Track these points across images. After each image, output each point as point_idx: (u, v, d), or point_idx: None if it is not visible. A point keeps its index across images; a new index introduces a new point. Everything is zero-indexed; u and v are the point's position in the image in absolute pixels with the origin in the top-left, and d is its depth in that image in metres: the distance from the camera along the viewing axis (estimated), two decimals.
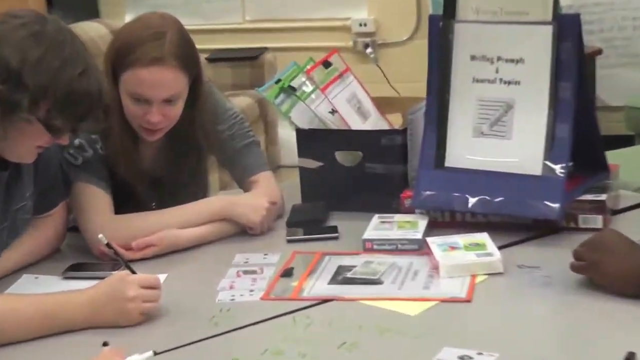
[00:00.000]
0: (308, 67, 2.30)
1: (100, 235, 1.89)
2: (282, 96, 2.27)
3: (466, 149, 2.10)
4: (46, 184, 2.01)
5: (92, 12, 4.88)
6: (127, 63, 2.02)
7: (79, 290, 1.76)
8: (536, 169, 2.04)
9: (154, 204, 2.19)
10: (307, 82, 2.28)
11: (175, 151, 2.19)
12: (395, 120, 2.37)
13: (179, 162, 2.20)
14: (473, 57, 2.11)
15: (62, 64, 1.70)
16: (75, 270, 1.99)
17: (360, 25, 4.78)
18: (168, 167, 2.20)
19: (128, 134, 2.10)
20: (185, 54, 2.06)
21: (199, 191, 2.27)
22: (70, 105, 1.72)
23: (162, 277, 1.93)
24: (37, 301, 1.73)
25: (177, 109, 2.09)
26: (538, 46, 2.05)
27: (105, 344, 1.53)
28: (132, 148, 2.12)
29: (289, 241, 2.10)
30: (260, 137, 4.67)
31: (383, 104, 2.39)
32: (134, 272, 1.79)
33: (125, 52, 2.02)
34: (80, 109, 1.75)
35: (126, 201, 2.14)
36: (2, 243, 1.92)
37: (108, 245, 1.89)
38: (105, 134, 2.07)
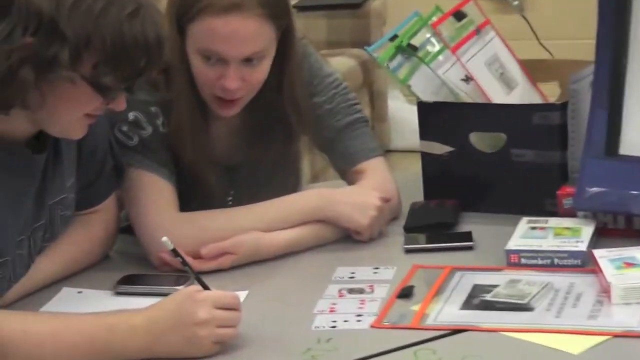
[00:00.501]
0: (434, 19, 2.32)
1: (164, 239, 1.89)
2: (399, 58, 2.29)
3: None
4: (92, 171, 2.06)
5: None
6: (196, 10, 2.06)
7: (135, 310, 1.80)
8: None
9: (230, 198, 2.24)
10: (433, 40, 2.30)
11: (258, 130, 2.23)
12: (551, 92, 2.38)
13: (262, 145, 2.24)
14: None
15: (107, 4, 1.76)
16: (129, 283, 2.04)
17: None
18: (248, 151, 2.24)
19: (197, 106, 2.15)
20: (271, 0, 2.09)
21: (289, 183, 2.31)
22: (120, 55, 1.77)
23: (241, 296, 1.96)
24: (82, 323, 1.77)
25: (261, 73, 2.12)
26: None
27: None
28: (202, 125, 2.17)
29: (408, 251, 2.13)
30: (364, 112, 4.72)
31: (534, 70, 2.40)
32: (206, 288, 1.83)
33: None
34: (134, 59, 1.79)
35: (194, 195, 2.18)
36: (36, 247, 1.97)
37: (174, 251, 1.91)
38: (168, 107, 2.11)
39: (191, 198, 2.17)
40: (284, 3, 2.15)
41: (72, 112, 1.84)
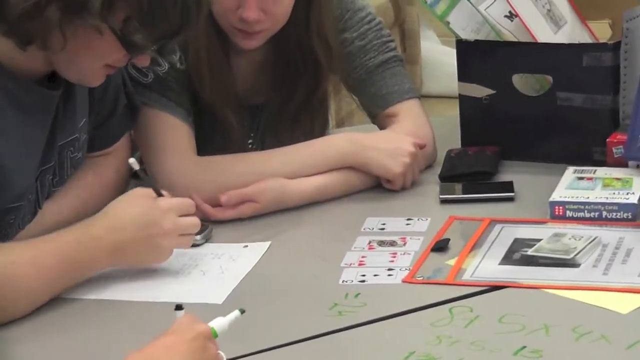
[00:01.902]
0: None
1: (131, 160, 1.96)
2: None
3: None
4: (105, 110, 2.08)
5: None
6: None
7: (96, 220, 1.88)
8: None
9: (250, 141, 2.25)
10: None
11: (283, 68, 2.23)
12: (602, 30, 2.39)
13: (287, 84, 2.25)
14: None
15: None
16: None
17: None
18: (272, 91, 2.25)
19: (217, 38, 2.15)
20: None
21: (316, 127, 2.30)
22: (155, 13, 1.78)
23: (263, 247, 2.00)
24: (55, 243, 1.85)
25: (284, 6, 2.13)
26: None
27: (179, 308, 1.61)
28: (222, 59, 2.17)
29: (443, 201, 2.14)
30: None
31: (584, 6, 2.38)
32: (159, 194, 1.91)
33: None
34: (170, 19, 1.80)
35: (212, 137, 2.20)
36: (45, 191, 1.99)
37: (142, 170, 2.00)
38: (186, 41, 2.11)
39: (209, 141, 2.19)
40: None
41: (92, 61, 1.86)
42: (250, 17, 2.09)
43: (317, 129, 2.30)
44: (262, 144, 2.24)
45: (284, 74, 2.25)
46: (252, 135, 2.27)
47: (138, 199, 1.91)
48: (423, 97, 4.65)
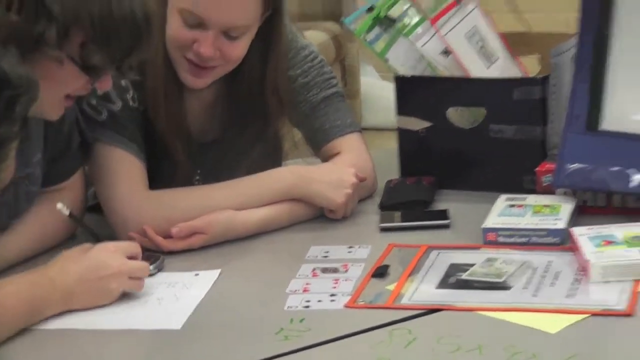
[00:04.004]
0: None
1: (59, 205, 1.99)
2: (376, 30, 2.32)
3: (631, 107, 2.12)
4: (59, 146, 2.09)
5: None
6: None
7: (52, 263, 1.89)
8: None
9: (197, 177, 2.26)
10: (411, 11, 2.32)
11: (234, 108, 2.25)
12: (532, 65, 2.40)
13: (236, 124, 2.26)
14: None
15: None
16: None
17: None
18: (221, 129, 2.27)
19: (172, 74, 2.16)
20: None
21: (268, 161, 2.29)
22: (109, 33, 1.80)
23: (213, 275, 2.01)
24: (12, 285, 1.84)
25: (239, 49, 2.14)
26: None
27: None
28: (176, 92, 2.18)
29: (383, 229, 2.15)
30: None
31: (515, 43, 2.41)
32: (97, 240, 1.95)
33: None
34: (123, 37, 1.82)
35: (161, 169, 2.21)
36: (1, 223, 2.01)
37: (70, 216, 2.02)
38: (141, 74, 2.10)
39: (160, 174, 2.19)
40: None
41: (53, 93, 1.86)
42: (205, 54, 2.09)
43: (268, 163, 2.29)
44: (207, 180, 2.24)
45: (233, 114, 2.26)
46: (198, 171, 2.27)
47: (84, 248, 1.92)
48: (363, 129, 4.69)
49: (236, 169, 2.24)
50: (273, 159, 2.35)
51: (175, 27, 2.12)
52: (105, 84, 1.92)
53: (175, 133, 2.19)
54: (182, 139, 2.21)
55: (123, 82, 2.12)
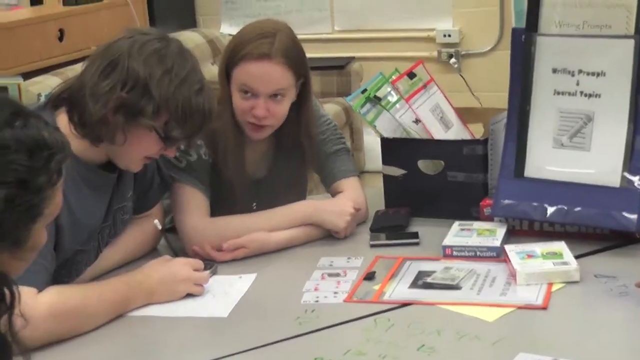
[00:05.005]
0: (393, 77, 2.30)
1: (155, 221, 1.99)
2: (367, 105, 2.28)
3: (546, 160, 2.08)
4: (144, 186, 2.06)
5: (189, 22, 4.98)
6: (238, 58, 2.07)
7: (139, 271, 1.87)
8: (614, 181, 2.01)
9: (254, 204, 2.21)
10: (392, 92, 2.28)
11: (280, 154, 2.22)
12: (477, 130, 2.36)
13: (281, 166, 2.22)
14: (555, 70, 2.09)
15: (183, 81, 1.78)
16: None
17: (445, 36, 4.75)
18: (270, 169, 2.22)
19: (237, 133, 2.13)
20: (293, 55, 2.09)
21: (299, 194, 2.25)
22: (186, 118, 1.79)
23: (251, 277, 1.98)
24: (112, 284, 1.82)
25: (283, 107, 2.11)
26: (620, 59, 2.02)
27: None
28: (240, 146, 2.15)
29: (372, 246, 2.11)
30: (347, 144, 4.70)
31: (466, 114, 2.38)
32: (176, 255, 1.92)
33: (237, 49, 2.08)
34: (194, 123, 1.81)
35: (227, 202, 2.15)
36: (104, 241, 1.97)
37: (161, 231, 2.01)
38: (214, 137, 2.10)
39: (224, 206, 2.14)
40: (303, 60, 2.13)
41: (139, 152, 1.84)
42: (259, 114, 2.07)
43: (300, 196, 2.25)
44: (262, 208, 2.18)
45: (279, 159, 2.22)
46: (255, 201, 2.21)
47: (164, 259, 1.91)
48: (365, 172, 4.70)
49: (280, 201, 2.17)
50: (300, 192, 2.30)
51: (237, 100, 2.10)
52: (171, 152, 1.90)
53: (238, 175, 2.15)
54: (243, 178, 2.17)
55: (199, 141, 2.08)
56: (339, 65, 4.67)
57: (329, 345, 1.68)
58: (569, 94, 2.08)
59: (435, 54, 4.78)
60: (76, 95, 1.78)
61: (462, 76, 4.68)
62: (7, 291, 1.21)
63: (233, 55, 2.09)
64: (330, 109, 4.33)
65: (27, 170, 1.20)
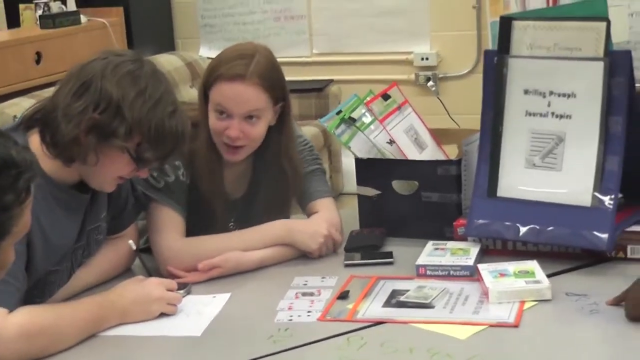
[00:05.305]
0: (368, 99, 2.32)
1: (130, 242, 2.00)
2: (342, 127, 2.29)
3: (518, 180, 2.10)
4: (119, 207, 2.06)
5: (168, 45, 5.00)
6: (214, 78, 2.09)
7: (112, 290, 1.87)
8: (586, 200, 2.03)
9: (232, 224, 2.21)
10: (367, 114, 2.29)
11: (257, 176, 2.22)
12: (452, 151, 2.37)
13: (258, 186, 2.22)
14: (526, 91, 2.12)
15: (156, 103, 1.80)
16: None
17: (422, 59, 4.80)
18: (247, 189, 2.23)
19: (215, 153, 2.14)
20: (269, 77, 2.10)
21: (280, 215, 2.23)
22: (159, 140, 1.80)
23: (225, 297, 1.98)
24: (84, 304, 1.82)
25: (258, 129, 2.11)
26: (590, 81, 2.05)
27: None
28: (217, 166, 2.15)
29: (347, 265, 2.11)
30: (324, 165, 4.70)
31: (440, 135, 2.40)
32: (149, 274, 1.94)
33: (214, 70, 2.10)
34: (167, 145, 1.83)
35: (204, 223, 2.16)
36: (77, 261, 1.97)
37: (136, 251, 2.02)
38: (191, 156, 2.11)
39: (202, 225, 2.14)
40: (280, 82, 2.15)
41: (112, 173, 1.85)
42: (232, 135, 2.08)
43: (278, 215, 2.23)
44: (240, 227, 2.19)
45: (256, 180, 2.23)
46: (232, 220, 2.22)
47: (138, 279, 1.91)
48: (343, 194, 4.72)
49: (258, 221, 2.18)
50: (282, 211, 2.27)
51: (212, 120, 2.11)
52: (144, 174, 1.92)
53: (215, 195, 2.15)
54: (220, 198, 2.17)
55: (177, 162, 2.09)
56: (318, 88, 4.71)
57: None
58: (541, 114, 2.10)
59: (413, 76, 4.82)
60: (49, 116, 1.79)
61: (439, 99, 4.73)
62: None
63: (210, 75, 2.11)
64: (308, 131, 4.35)
65: None
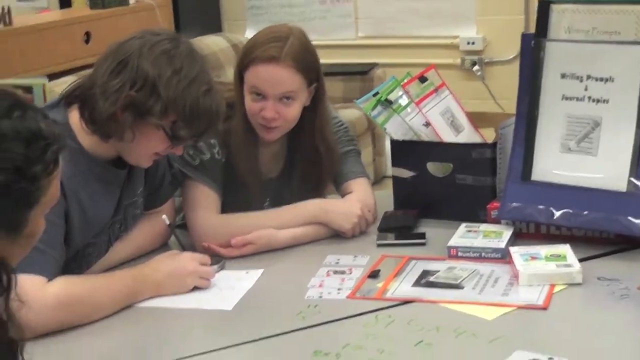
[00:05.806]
0: (405, 81, 2.33)
1: (163, 216, 2.03)
2: (378, 108, 2.30)
3: (553, 164, 2.10)
4: (155, 183, 2.10)
5: (215, 27, 5.05)
6: (249, 60, 2.12)
7: (147, 264, 1.91)
8: (621, 185, 2.02)
9: (266, 203, 2.24)
10: (403, 96, 2.30)
11: (291, 155, 2.25)
12: (490, 135, 2.37)
13: (295, 165, 2.25)
14: (563, 75, 2.11)
15: (191, 82, 1.83)
16: None
17: (468, 43, 4.78)
18: (282, 169, 2.26)
19: (250, 133, 2.17)
20: (303, 59, 2.13)
21: (314, 195, 2.24)
22: (193, 119, 1.84)
23: (258, 273, 2.01)
24: (119, 276, 1.87)
25: (293, 110, 2.14)
26: (628, 65, 2.04)
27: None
28: (253, 146, 2.18)
29: (379, 245, 2.13)
30: (367, 149, 4.72)
31: (478, 119, 2.40)
32: (184, 249, 1.96)
33: (249, 52, 2.13)
34: (202, 124, 1.86)
35: (240, 200, 2.19)
36: (115, 235, 2.02)
37: (169, 226, 2.05)
38: (228, 136, 2.14)
39: (237, 205, 2.17)
40: (314, 64, 2.16)
41: (148, 149, 1.89)
42: (267, 116, 2.11)
43: (313, 194, 2.24)
44: (276, 205, 2.21)
45: (292, 160, 2.26)
46: (267, 199, 2.25)
47: (172, 253, 1.96)
48: (387, 177, 4.72)
49: (292, 200, 2.20)
50: (317, 191, 2.29)
51: (248, 101, 2.14)
52: (179, 151, 1.95)
53: (250, 174, 2.18)
54: (256, 177, 2.20)
55: (212, 141, 2.13)
56: (362, 71, 4.71)
57: (329, 339, 1.71)
58: (577, 99, 2.10)
59: (458, 61, 4.80)
60: (87, 93, 1.83)
61: (485, 84, 4.71)
62: (4, 276, 1.26)
63: (245, 58, 2.14)
64: (351, 114, 4.36)
65: (23, 159, 1.24)
